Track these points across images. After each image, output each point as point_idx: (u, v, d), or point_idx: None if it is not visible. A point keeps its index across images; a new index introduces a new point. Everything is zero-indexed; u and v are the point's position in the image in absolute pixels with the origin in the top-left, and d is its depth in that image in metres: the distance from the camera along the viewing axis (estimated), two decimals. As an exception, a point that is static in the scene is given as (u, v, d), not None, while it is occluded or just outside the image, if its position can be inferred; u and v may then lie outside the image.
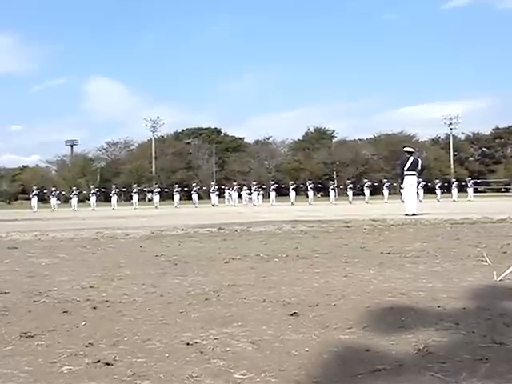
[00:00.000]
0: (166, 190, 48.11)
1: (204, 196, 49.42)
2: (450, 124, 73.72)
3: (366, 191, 37.24)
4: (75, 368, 1.61)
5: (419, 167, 13.42)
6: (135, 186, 38.71)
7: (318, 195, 53.76)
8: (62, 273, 3.72)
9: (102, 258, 4.61)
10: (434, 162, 65.54)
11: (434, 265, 3.72)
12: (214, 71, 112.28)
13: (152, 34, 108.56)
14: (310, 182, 39.06)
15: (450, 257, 4.13)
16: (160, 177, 68.00)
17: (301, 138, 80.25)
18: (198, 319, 2.23)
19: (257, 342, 1.86)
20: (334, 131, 79.59)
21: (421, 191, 28.93)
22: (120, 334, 2.01)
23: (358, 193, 41.10)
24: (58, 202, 41.88)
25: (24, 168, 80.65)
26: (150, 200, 51.91)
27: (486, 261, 3.71)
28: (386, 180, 40.73)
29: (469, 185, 37.74)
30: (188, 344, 1.84)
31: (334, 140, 78.29)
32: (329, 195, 38.34)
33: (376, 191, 43.57)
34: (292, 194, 36.45)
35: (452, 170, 68.76)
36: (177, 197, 37.22)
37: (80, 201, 41.48)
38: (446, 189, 44.11)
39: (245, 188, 42.32)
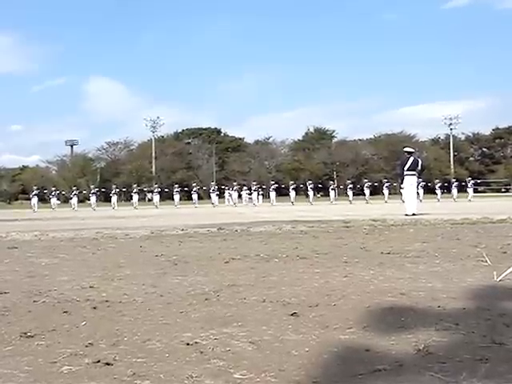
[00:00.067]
0: (166, 190, 48.11)
1: (204, 196, 49.44)
2: (450, 124, 73.82)
3: (366, 191, 37.26)
4: (75, 368, 1.61)
5: (419, 167, 13.42)
6: (135, 186, 38.71)
7: (318, 195, 53.76)
8: (61, 273, 3.72)
9: (102, 258, 4.61)
10: (434, 162, 65.56)
11: (433, 265, 3.72)
12: (213, 71, 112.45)
13: (152, 34, 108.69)
14: (310, 182, 39.07)
15: (449, 257, 4.13)
16: (160, 177, 68.02)
17: (301, 138, 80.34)
18: (198, 319, 2.23)
19: (257, 342, 1.86)
20: (333, 131, 79.75)
21: (421, 191, 28.92)
22: (120, 334, 2.01)
23: (358, 193, 41.10)
24: (58, 201, 41.88)
25: (24, 168, 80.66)
26: (150, 200, 51.90)
27: (486, 261, 3.71)
28: (386, 180, 40.76)
29: (469, 185, 37.76)
30: (188, 344, 1.85)
31: (334, 140, 78.36)
32: (329, 195, 38.37)
33: (376, 191, 43.58)
34: (292, 194, 36.47)
35: (452, 170, 68.77)
36: (177, 197, 37.22)
37: (80, 201, 41.49)
38: (446, 189, 44.08)
39: (245, 188, 42.30)
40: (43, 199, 46.12)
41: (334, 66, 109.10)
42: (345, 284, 3.02)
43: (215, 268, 3.79)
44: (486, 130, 79.65)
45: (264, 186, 47.29)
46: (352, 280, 3.16)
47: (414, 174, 13.22)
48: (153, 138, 74.05)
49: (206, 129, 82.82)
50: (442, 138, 78.09)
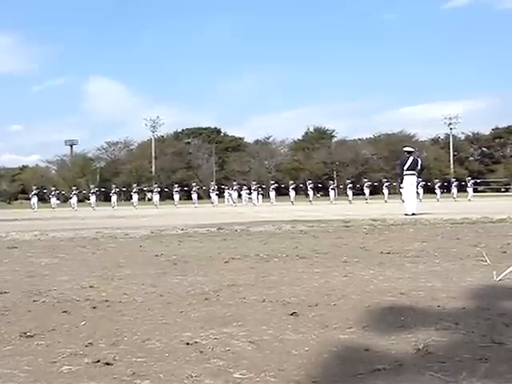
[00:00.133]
0: (165, 189, 48.13)
1: (204, 196, 49.42)
2: (450, 124, 73.85)
3: (366, 191, 37.29)
4: (75, 368, 1.61)
5: (419, 167, 13.42)
6: (135, 185, 38.71)
7: (318, 195, 53.78)
8: (61, 272, 3.72)
9: (101, 258, 4.61)
10: (433, 161, 65.62)
11: (433, 264, 3.72)
12: (214, 71, 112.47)
13: (152, 34, 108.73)
14: (309, 181, 39.09)
15: (449, 256, 4.13)
16: (160, 176, 68.02)
17: (301, 137, 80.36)
18: (198, 319, 2.23)
19: (256, 341, 1.86)
20: (333, 131, 79.78)
21: (420, 191, 28.98)
22: (120, 333, 2.01)
23: (358, 192, 41.12)
24: (58, 201, 41.90)
25: (24, 168, 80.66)
26: (149, 200, 51.91)
27: (486, 260, 3.71)
28: (385, 180, 40.74)
29: (468, 184, 37.76)
30: (188, 344, 1.85)
31: (334, 140, 78.37)
32: (329, 195, 38.38)
33: (376, 191, 43.58)
34: (292, 193, 36.47)
35: (452, 170, 68.82)
36: (177, 196, 37.24)
37: (80, 200, 41.51)
38: (446, 188, 44.13)
39: (245, 188, 42.28)
40: (43, 199, 46.15)
41: (334, 66, 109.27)
42: (344, 284, 3.02)
43: (215, 268, 3.79)
44: (486, 130, 79.81)
45: (264, 186, 47.25)
46: (352, 280, 3.16)
47: (414, 174, 13.23)
48: (153, 138, 74.07)
49: (205, 128, 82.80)
50: (441, 137, 78.16)
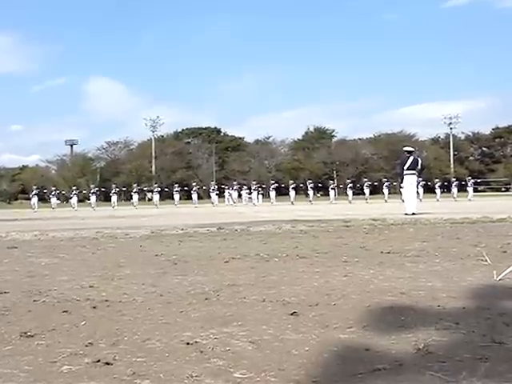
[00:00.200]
0: (165, 189, 48.14)
1: (204, 195, 49.43)
2: (450, 124, 73.85)
3: (366, 191, 37.28)
4: (75, 367, 1.61)
5: (419, 166, 13.43)
6: (135, 185, 38.73)
7: (318, 195, 53.80)
8: (61, 272, 3.72)
9: (101, 258, 4.61)
10: (433, 161, 65.62)
11: (433, 264, 3.72)
12: (214, 71, 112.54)
13: (152, 34, 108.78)
14: (309, 181, 39.10)
15: (449, 256, 4.13)
16: (160, 176, 68.04)
17: (301, 137, 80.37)
18: (198, 319, 2.23)
19: (257, 341, 1.86)
20: (333, 131, 79.79)
21: (421, 190, 28.94)
22: (120, 333, 2.01)
23: (358, 192, 41.13)
24: (58, 201, 41.91)
25: (24, 168, 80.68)
26: (149, 199, 51.93)
27: (486, 260, 3.71)
28: (385, 179, 40.75)
29: (469, 184, 37.75)
30: (188, 343, 1.84)
31: (334, 139, 78.36)
32: (329, 195, 38.36)
33: (376, 191, 43.59)
34: (292, 193, 36.46)
35: (452, 170, 68.82)
36: (177, 196, 37.25)
37: (80, 200, 41.51)
38: (446, 188, 44.14)
39: (245, 187, 42.29)
40: (43, 199, 46.15)
41: (334, 66, 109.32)
42: (345, 283, 3.02)
43: (215, 267, 3.79)
44: (486, 130, 79.80)
45: (264, 186, 47.30)
46: (352, 279, 3.16)
47: (414, 174, 13.23)
48: (153, 138, 74.08)
49: (205, 128, 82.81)
50: (441, 137, 78.15)
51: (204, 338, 1.91)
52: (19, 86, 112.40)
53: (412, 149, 13.84)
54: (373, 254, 4.36)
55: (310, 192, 37.12)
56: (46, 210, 29.85)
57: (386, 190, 36.83)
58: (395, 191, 36.73)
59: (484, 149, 79.77)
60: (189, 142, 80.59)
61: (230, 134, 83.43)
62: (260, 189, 41.75)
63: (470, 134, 79.45)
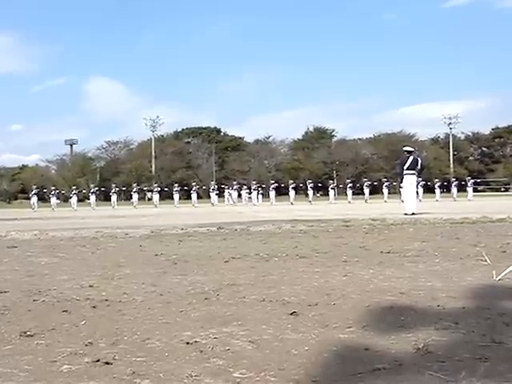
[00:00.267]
0: (165, 189, 48.13)
1: (204, 195, 49.43)
2: (450, 124, 73.84)
3: (366, 190, 37.26)
4: (75, 367, 1.61)
5: (419, 166, 13.43)
6: (135, 185, 38.72)
7: (318, 194, 53.79)
8: (61, 272, 3.72)
9: (101, 258, 4.61)
10: (433, 161, 65.64)
11: (433, 264, 3.72)
12: (214, 71, 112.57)
13: (152, 34, 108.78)
14: (309, 181, 39.10)
15: (449, 256, 4.13)
16: (160, 176, 68.02)
17: (300, 137, 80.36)
18: (198, 318, 2.23)
19: (256, 341, 1.86)
20: (333, 131, 79.77)
21: (420, 190, 28.97)
22: (120, 333, 2.01)
23: (358, 192, 41.14)
24: (58, 201, 41.90)
25: (24, 167, 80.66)
26: (149, 199, 51.90)
27: (486, 260, 3.71)
28: (385, 179, 40.74)
29: (468, 184, 37.75)
30: (188, 343, 1.85)
31: (334, 139, 78.35)
32: (328, 194, 38.36)
33: (375, 190, 43.60)
34: (292, 193, 36.45)
35: (451, 170, 68.83)
36: (176, 196, 37.22)
37: (80, 200, 41.50)
38: (446, 188, 44.14)
39: (244, 187, 42.29)
40: (43, 198, 46.14)
41: (334, 66, 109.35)
42: (344, 283, 3.02)
43: (215, 267, 3.79)
44: (486, 130, 79.81)
45: (264, 186, 47.29)
46: (352, 279, 3.16)
47: (414, 174, 13.23)
48: (152, 138, 74.06)
49: (205, 128, 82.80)
50: (441, 137, 78.17)
51: (204, 337, 1.91)
52: (19, 85, 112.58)
53: (412, 149, 13.84)
54: (372, 254, 4.36)
55: (310, 192, 37.11)
56: (46, 210, 29.84)
57: (385, 190, 36.83)
58: (395, 191, 36.77)
59: (484, 149, 79.78)
60: (189, 142, 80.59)
61: (229, 134, 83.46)
62: (260, 189, 41.75)
63: (470, 134, 79.51)
